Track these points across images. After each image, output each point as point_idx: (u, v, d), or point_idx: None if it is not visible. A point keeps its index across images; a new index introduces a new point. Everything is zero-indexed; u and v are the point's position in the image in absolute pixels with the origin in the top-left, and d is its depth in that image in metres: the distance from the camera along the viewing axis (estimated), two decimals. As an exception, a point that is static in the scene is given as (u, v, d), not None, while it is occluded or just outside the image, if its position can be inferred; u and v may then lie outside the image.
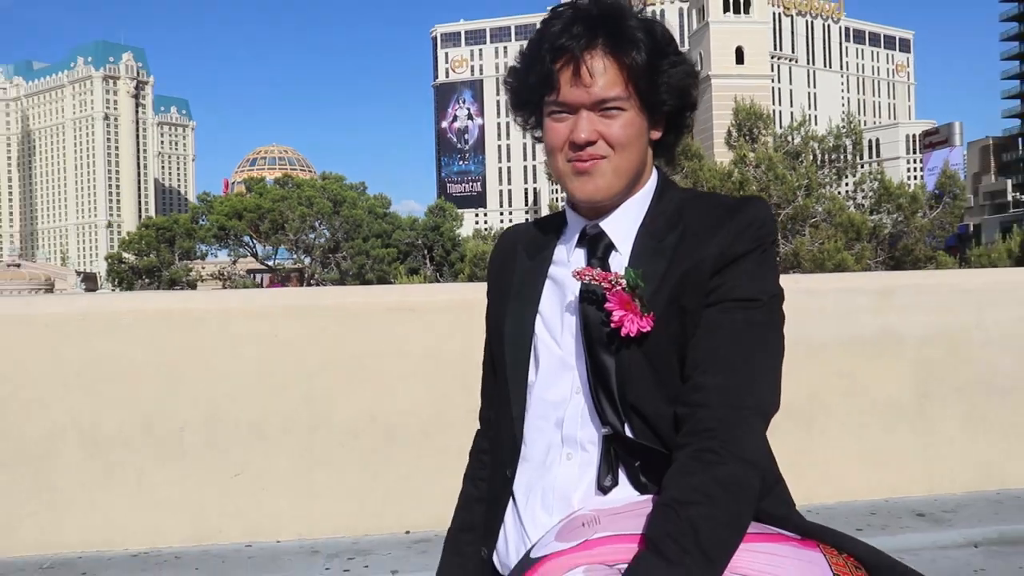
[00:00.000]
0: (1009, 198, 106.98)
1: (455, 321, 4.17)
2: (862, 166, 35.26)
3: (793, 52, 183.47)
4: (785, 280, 1.43)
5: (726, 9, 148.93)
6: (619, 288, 1.32)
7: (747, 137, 29.29)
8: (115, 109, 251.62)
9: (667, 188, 1.46)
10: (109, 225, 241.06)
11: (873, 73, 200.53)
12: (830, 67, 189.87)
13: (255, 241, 45.45)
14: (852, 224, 26.92)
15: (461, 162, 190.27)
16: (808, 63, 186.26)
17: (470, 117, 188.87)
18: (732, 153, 29.39)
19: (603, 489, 1.34)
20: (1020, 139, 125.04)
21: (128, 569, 3.78)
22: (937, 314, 4.67)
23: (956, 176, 32.84)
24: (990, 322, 4.70)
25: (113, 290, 45.29)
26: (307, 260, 44.49)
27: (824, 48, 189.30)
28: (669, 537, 1.16)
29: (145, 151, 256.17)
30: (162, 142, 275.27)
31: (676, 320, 1.32)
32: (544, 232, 1.54)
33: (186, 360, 4.13)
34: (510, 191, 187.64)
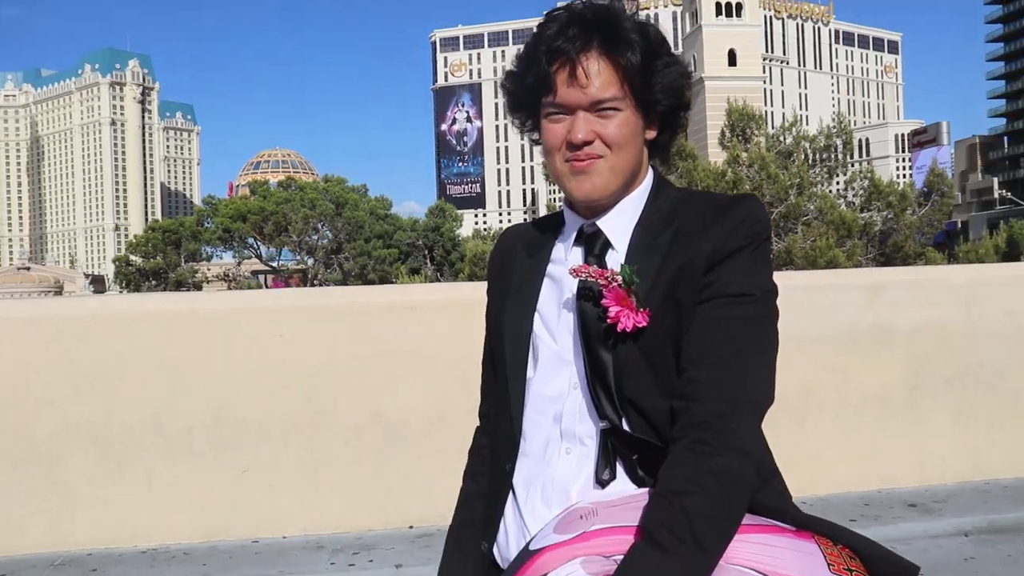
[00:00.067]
0: (995, 195, 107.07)
1: (455, 320, 4.17)
2: (852, 165, 35.27)
3: (784, 54, 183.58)
4: (778, 276, 1.42)
5: (718, 12, 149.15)
6: (615, 284, 1.32)
7: (740, 137, 29.34)
8: (122, 115, 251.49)
9: (662, 187, 1.46)
10: (116, 228, 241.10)
11: (862, 74, 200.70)
12: (820, 69, 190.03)
13: (259, 243, 45.51)
14: (843, 222, 26.98)
15: (460, 164, 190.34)
16: (799, 65, 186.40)
17: (469, 120, 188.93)
18: (725, 153, 29.44)
19: (601, 483, 1.34)
20: (1006, 138, 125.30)
21: (137, 565, 3.78)
22: (927, 309, 4.67)
23: (944, 174, 32.92)
24: (978, 316, 4.71)
25: (121, 292, 45.26)
26: (310, 261, 44.54)
27: (814, 50, 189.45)
28: (664, 527, 1.15)
29: (151, 156, 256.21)
30: (168, 147, 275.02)
31: (671, 315, 1.32)
32: (543, 231, 1.54)
33: (193, 360, 4.13)
34: (508, 192, 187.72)
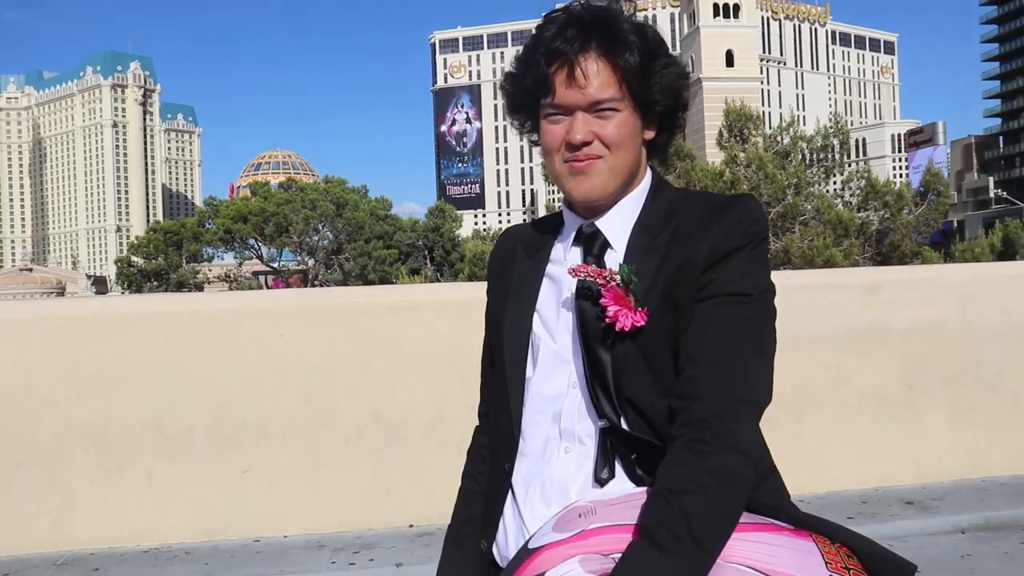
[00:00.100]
0: (991, 195, 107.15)
1: (455, 320, 4.16)
2: (849, 165, 35.28)
3: (781, 55, 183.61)
4: (776, 276, 1.42)
5: (716, 14, 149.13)
6: (614, 284, 1.32)
7: (738, 138, 29.32)
8: (123, 117, 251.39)
9: (661, 187, 1.46)
10: (118, 230, 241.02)
11: (859, 75, 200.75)
12: (817, 69, 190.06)
13: (260, 244, 45.48)
14: (840, 221, 26.96)
15: (460, 165, 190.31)
16: (796, 65, 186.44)
17: (468, 121, 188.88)
18: (723, 153, 29.41)
19: (600, 481, 1.33)
20: (1001, 137, 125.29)
21: (139, 564, 3.78)
22: (923, 308, 4.67)
23: (940, 174, 32.89)
24: (974, 315, 4.71)
25: (123, 293, 45.25)
26: (311, 262, 44.51)
27: (811, 51, 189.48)
28: (662, 525, 1.15)
29: (153, 157, 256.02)
30: (169, 148, 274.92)
31: (670, 315, 1.32)
32: (542, 232, 1.54)
33: (194, 361, 4.13)
34: (508, 192, 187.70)
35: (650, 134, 1.43)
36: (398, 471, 4.16)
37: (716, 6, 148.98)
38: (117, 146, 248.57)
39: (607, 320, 1.31)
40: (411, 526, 4.09)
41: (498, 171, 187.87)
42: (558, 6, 1.42)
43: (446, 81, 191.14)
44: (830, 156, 30.95)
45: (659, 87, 1.37)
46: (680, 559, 1.13)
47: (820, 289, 4.70)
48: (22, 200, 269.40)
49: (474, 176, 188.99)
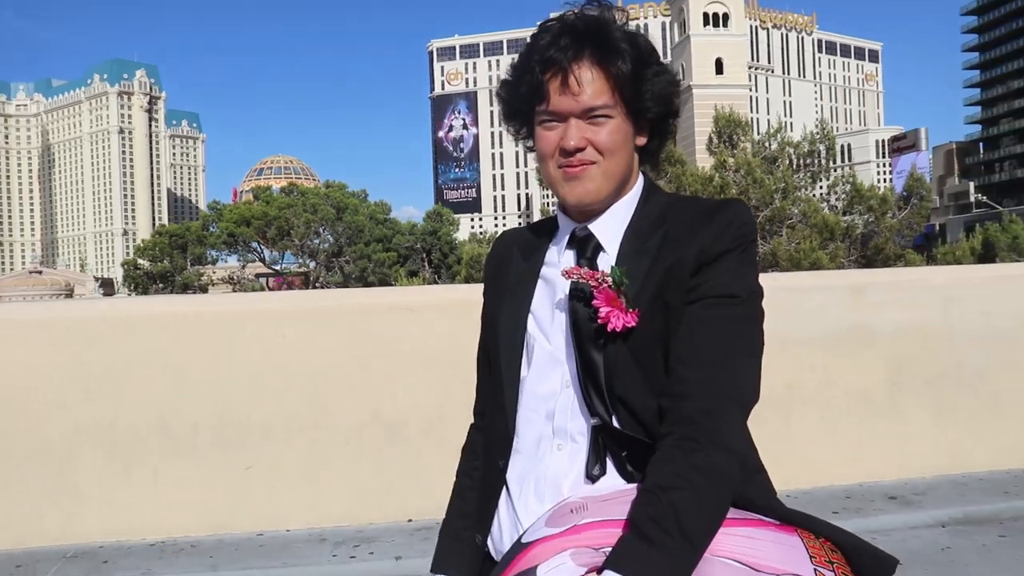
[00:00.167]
0: (971, 199, 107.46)
1: (454, 321, 4.16)
2: (835, 170, 35.35)
3: (769, 63, 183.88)
4: (764, 278, 1.42)
5: (706, 23, 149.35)
6: (606, 286, 1.32)
7: (727, 144, 29.37)
8: (129, 123, 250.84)
9: (652, 192, 1.46)
10: (125, 233, 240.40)
11: (844, 82, 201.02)
12: (804, 77, 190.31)
13: (263, 247, 45.41)
14: (826, 225, 27.02)
15: (457, 169, 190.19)
16: (784, 73, 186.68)
17: (465, 127, 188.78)
18: (713, 159, 29.47)
19: (591, 478, 1.33)
20: (981, 143, 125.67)
21: (146, 557, 3.77)
22: (908, 310, 4.68)
23: (923, 179, 33.02)
24: (956, 317, 4.72)
25: (129, 294, 45.16)
26: (312, 264, 44.44)
27: (798, 59, 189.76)
28: (651, 520, 1.15)
29: (158, 163, 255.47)
30: (174, 154, 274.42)
31: (660, 316, 1.32)
32: (537, 235, 1.54)
33: (198, 361, 4.12)
34: (503, 197, 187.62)
35: (642, 140, 1.43)
36: (398, 470, 4.15)
37: (706, 15, 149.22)
38: (123, 152, 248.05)
39: (599, 321, 1.31)
40: (410, 520, 4.09)
41: (494, 176, 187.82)
42: (553, 15, 1.42)
43: (443, 88, 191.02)
44: (816, 161, 31.03)
45: (651, 94, 1.37)
46: (669, 553, 1.13)
47: (807, 291, 4.71)
48: (31, 204, 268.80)
49: (471, 181, 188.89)
